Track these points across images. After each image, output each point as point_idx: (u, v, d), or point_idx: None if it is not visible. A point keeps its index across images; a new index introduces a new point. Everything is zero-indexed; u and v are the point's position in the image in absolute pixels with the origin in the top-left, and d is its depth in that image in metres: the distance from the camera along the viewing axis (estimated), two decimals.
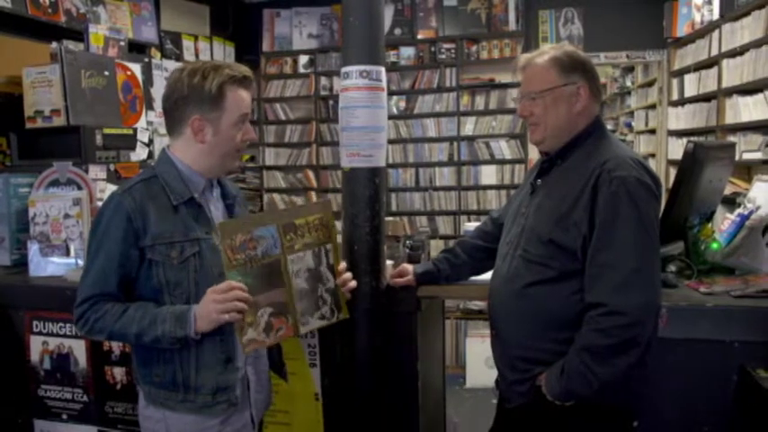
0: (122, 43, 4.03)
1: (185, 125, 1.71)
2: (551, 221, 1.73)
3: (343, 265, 1.90)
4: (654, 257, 1.66)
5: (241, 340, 1.64)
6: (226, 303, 1.59)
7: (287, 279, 1.73)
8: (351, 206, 2.19)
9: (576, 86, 1.76)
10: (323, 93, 6.71)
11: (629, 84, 8.34)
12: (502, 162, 6.27)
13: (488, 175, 6.31)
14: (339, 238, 1.99)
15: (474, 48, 6.29)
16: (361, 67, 2.11)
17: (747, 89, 4.39)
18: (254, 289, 1.65)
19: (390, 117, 6.44)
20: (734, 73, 4.58)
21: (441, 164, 6.43)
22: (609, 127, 9.49)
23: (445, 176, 6.42)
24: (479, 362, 4.78)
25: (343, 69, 2.16)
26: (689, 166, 2.19)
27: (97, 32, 3.87)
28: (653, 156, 6.76)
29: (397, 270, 2.26)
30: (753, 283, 2.10)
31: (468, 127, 6.33)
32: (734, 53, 4.58)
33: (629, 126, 8.45)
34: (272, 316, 1.69)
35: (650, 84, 6.90)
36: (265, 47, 6.87)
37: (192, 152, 1.74)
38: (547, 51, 1.80)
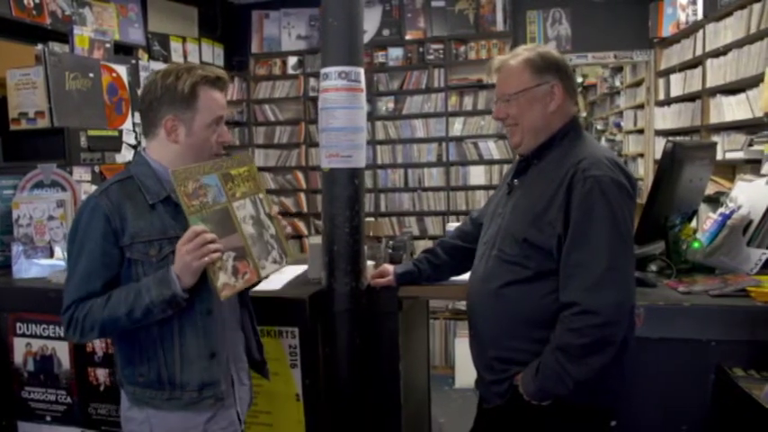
0: (108, 45, 4.01)
1: (159, 126, 1.72)
2: (526, 221, 1.74)
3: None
4: (627, 257, 1.67)
5: (216, 285, 1.64)
6: (199, 250, 1.59)
7: (237, 225, 1.74)
8: (330, 207, 2.20)
9: (549, 85, 1.78)
10: (312, 94, 6.69)
11: (618, 84, 8.37)
12: (490, 162, 6.27)
13: (477, 175, 6.32)
14: None
15: (462, 48, 6.30)
16: (340, 68, 2.12)
17: (731, 89, 4.40)
18: (214, 234, 1.66)
19: (379, 118, 6.45)
20: (717, 73, 4.60)
21: (429, 164, 6.43)
22: (599, 127, 9.61)
23: (434, 177, 6.42)
24: (469, 362, 4.70)
25: (323, 70, 2.17)
26: (668, 166, 2.21)
27: (82, 34, 3.85)
28: (641, 156, 6.78)
29: (378, 270, 2.28)
30: (731, 283, 2.11)
31: (457, 127, 6.33)
32: (717, 53, 4.60)
33: (618, 126, 8.48)
34: (235, 260, 1.70)
35: (638, 84, 6.92)
36: (254, 48, 6.86)
37: (166, 153, 1.74)
38: (520, 53, 1.82)
